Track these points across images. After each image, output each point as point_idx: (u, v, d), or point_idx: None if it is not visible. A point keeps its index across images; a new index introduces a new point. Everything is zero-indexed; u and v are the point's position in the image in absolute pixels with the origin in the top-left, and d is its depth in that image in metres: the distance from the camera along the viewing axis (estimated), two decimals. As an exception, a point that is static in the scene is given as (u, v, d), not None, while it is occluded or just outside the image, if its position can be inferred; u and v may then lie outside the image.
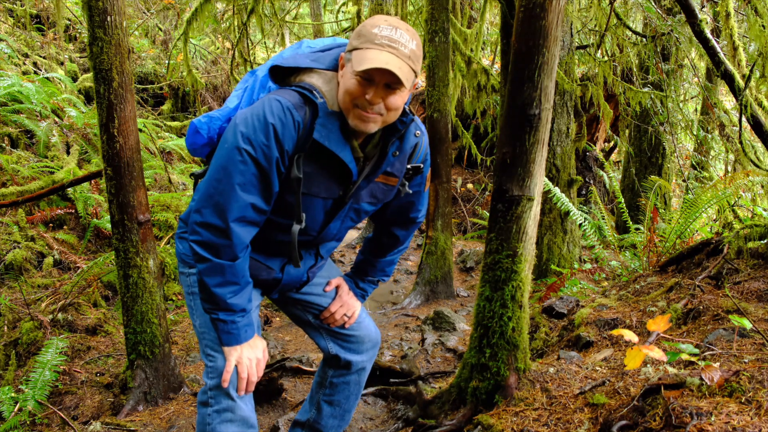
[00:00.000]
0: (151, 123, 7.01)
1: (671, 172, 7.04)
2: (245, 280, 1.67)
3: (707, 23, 4.19)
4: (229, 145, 1.55)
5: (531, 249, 2.12)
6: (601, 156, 7.36)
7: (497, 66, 7.65)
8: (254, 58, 7.58)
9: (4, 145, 5.16)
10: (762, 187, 5.30)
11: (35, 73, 6.68)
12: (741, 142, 3.95)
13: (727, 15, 3.70)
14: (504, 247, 2.10)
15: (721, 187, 4.07)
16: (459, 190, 8.65)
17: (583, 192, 7.29)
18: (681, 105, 6.95)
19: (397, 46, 1.52)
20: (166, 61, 8.08)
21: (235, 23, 6.81)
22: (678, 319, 2.43)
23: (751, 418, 1.41)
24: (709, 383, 1.57)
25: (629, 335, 1.63)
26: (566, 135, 4.83)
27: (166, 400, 2.97)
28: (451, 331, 3.82)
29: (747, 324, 1.69)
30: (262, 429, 2.66)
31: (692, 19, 3.42)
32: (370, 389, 2.86)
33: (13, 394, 2.83)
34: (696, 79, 7.14)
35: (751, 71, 3.47)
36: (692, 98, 8.56)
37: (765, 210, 4.58)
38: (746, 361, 1.79)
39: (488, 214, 2.35)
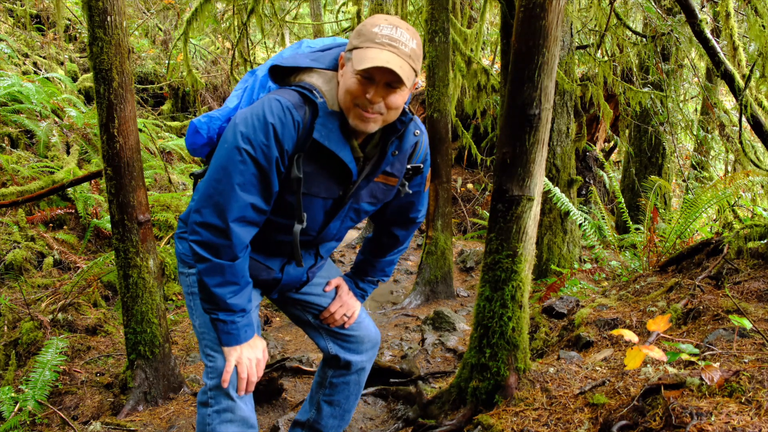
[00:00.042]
0: (151, 123, 7.01)
1: (671, 172, 7.04)
2: (245, 280, 1.67)
3: (707, 23, 4.19)
4: (228, 145, 1.55)
5: (531, 249, 2.12)
6: (601, 156, 7.36)
7: (497, 66, 7.65)
8: (254, 58, 7.58)
9: (4, 145, 5.16)
10: (762, 187, 5.30)
11: (35, 73, 6.68)
12: (741, 142, 3.95)
13: (727, 15, 3.70)
14: (504, 247, 2.10)
15: (721, 187, 4.07)
16: (459, 190, 8.65)
17: (583, 192, 7.29)
18: (681, 105, 6.95)
19: (397, 45, 1.52)
20: (166, 61, 8.08)
21: (235, 23, 6.81)
22: (678, 319, 2.43)
23: (751, 418, 1.41)
24: (709, 383, 1.57)
25: (629, 335, 1.63)
26: (566, 135, 4.83)
27: (166, 400, 2.97)
28: (451, 331, 3.82)
29: (747, 324, 1.69)
30: (262, 429, 2.66)
31: (692, 19, 3.42)
32: (370, 389, 2.86)
33: (13, 394, 2.83)
34: (696, 79, 7.14)
35: (751, 71, 3.47)
36: (692, 98, 8.56)
37: (765, 210, 4.58)
38: (746, 361, 1.79)
39: (488, 214, 2.35)
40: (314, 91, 1.62)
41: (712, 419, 1.42)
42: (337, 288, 2.04)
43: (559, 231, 4.82)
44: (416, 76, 1.60)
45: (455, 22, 6.25)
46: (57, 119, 5.70)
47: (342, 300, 2.01)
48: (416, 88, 1.72)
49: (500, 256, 2.10)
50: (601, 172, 7.70)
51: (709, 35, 3.40)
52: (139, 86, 8.09)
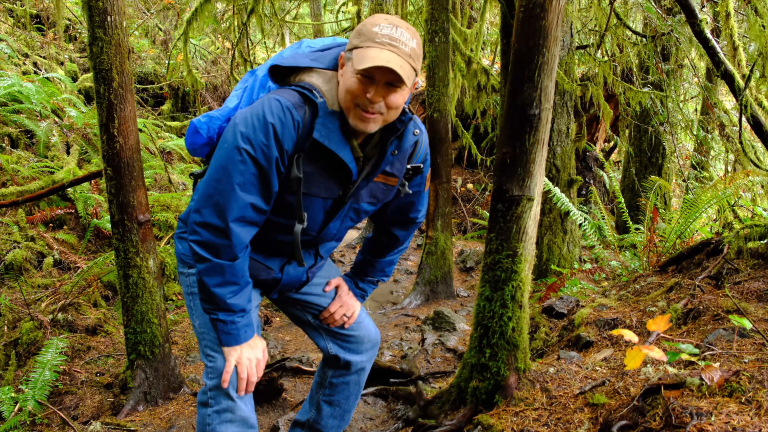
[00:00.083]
0: (151, 123, 7.01)
1: (671, 172, 7.04)
2: (245, 281, 1.67)
3: (707, 23, 4.19)
4: (228, 145, 1.55)
5: (531, 249, 2.12)
6: (601, 156, 7.36)
7: (497, 66, 7.65)
8: (254, 58, 7.58)
9: (4, 145, 5.16)
10: (762, 187, 5.30)
11: (35, 73, 6.68)
12: (741, 142, 3.95)
13: (727, 15, 3.70)
14: (504, 247, 2.10)
15: (721, 187, 4.07)
16: (459, 190, 8.65)
17: (583, 192, 7.29)
18: (681, 105, 6.95)
19: (397, 44, 1.52)
20: (166, 61, 8.08)
21: (235, 23, 6.81)
22: (678, 319, 2.43)
23: (751, 418, 1.40)
24: (709, 383, 1.57)
25: (629, 335, 1.63)
26: (566, 135, 4.83)
27: (166, 400, 2.97)
28: (451, 331, 3.82)
29: (747, 324, 1.69)
30: (262, 429, 2.66)
31: (692, 19, 3.42)
32: (370, 389, 2.86)
33: (13, 394, 2.83)
34: (696, 79, 7.14)
35: (751, 71, 3.47)
36: (692, 98, 8.56)
37: (765, 210, 4.58)
38: (746, 361, 1.79)
39: (488, 214, 2.35)
40: (314, 91, 1.62)
41: (712, 419, 1.42)
42: (336, 288, 2.04)
43: (559, 231, 4.82)
44: (416, 75, 1.60)
45: (455, 22, 6.25)
46: (57, 119, 5.70)
47: (342, 300, 2.01)
48: (416, 88, 1.72)
49: (500, 256, 2.10)
50: (601, 172, 7.70)
51: (709, 35, 3.40)
52: (139, 86, 8.09)
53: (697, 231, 4.28)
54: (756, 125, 3.50)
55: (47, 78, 6.31)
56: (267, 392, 2.88)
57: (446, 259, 4.81)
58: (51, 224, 4.74)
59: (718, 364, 1.73)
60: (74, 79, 7.25)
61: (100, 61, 2.66)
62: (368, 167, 1.72)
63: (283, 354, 3.71)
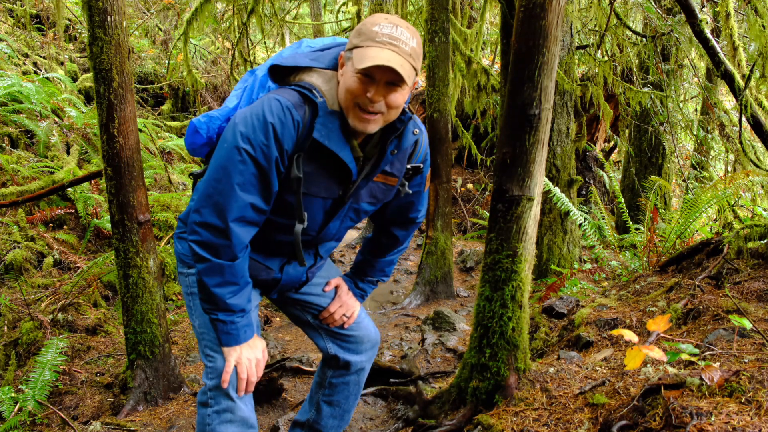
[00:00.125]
0: (151, 123, 7.01)
1: (671, 172, 7.04)
2: (244, 281, 1.66)
3: (707, 23, 4.19)
4: (228, 145, 1.55)
5: (531, 249, 2.12)
6: (601, 156, 7.36)
7: (497, 66, 7.65)
8: (254, 58, 7.58)
9: (4, 145, 5.16)
10: (762, 187, 5.30)
11: (35, 73, 6.68)
12: (741, 142, 3.95)
13: (727, 15, 3.70)
14: (504, 247, 2.10)
15: (721, 187, 4.07)
16: (459, 190, 8.65)
17: (583, 192, 7.29)
18: (681, 105, 6.95)
19: (398, 43, 1.52)
20: (166, 61, 8.08)
21: (235, 23, 6.81)
22: (678, 319, 2.43)
23: (751, 418, 1.40)
24: (709, 383, 1.57)
25: (629, 335, 1.63)
26: (566, 135, 4.83)
27: (166, 400, 2.97)
28: (451, 331, 3.82)
29: (747, 324, 1.69)
30: (262, 429, 2.66)
31: (692, 19, 3.42)
32: (370, 389, 2.86)
33: (13, 394, 2.83)
34: (696, 79, 7.14)
35: (751, 71, 3.47)
36: (692, 98, 8.56)
37: (765, 210, 4.58)
38: (746, 361, 1.79)
39: (488, 214, 2.35)
40: (314, 91, 1.62)
41: (712, 419, 1.42)
42: (336, 288, 2.04)
43: (559, 231, 4.82)
44: (416, 74, 1.60)
45: (455, 22, 6.25)
46: (57, 119, 5.70)
47: (341, 300, 2.01)
48: (416, 88, 1.72)
49: (500, 256, 2.10)
50: (601, 172, 7.70)
51: (709, 35, 3.40)
52: (139, 86, 8.09)
53: (697, 231, 4.28)
54: (756, 125, 3.50)
55: (47, 78, 6.31)
56: (267, 392, 2.88)
57: (446, 259, 4.81)
58: (51, 224, 4.74)
59: (718, 364, 1.73)
60: (74, 79, 7.25)
61: (100, 61, 2.66)
62: (368, 167, 1.71)
63: (283, 354, 3.71)
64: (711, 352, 1.93)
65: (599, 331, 2.60)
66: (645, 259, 4.02)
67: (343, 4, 9.79)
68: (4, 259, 4.06)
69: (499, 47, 5.45)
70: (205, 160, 1.96)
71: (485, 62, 7.94)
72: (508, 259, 2.09)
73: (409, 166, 1.81)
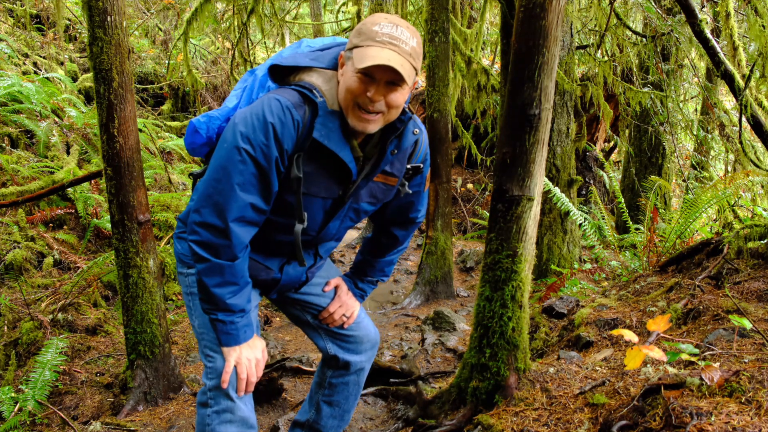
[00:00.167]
0: (151, 123, 7.01)
1: (671, 172, 7.04)
2: (244, 281, 1.66)
3: (707, 23, 4.19)
4: (228, 145, 1.55)
5: (531, 249, 2.12)
6: (601, 156, 7.36)
7: (497, 66, 7.65)
8: (254, 58, 7.58)
9: (4, 145, 5.16)
10: (762, 187, 5.30)
11: (35, 73, 6.68)
12: (741, 142, 3.95)
13: (727, 15, 3.70)
14: (504, 247, 2.10)
15: (721, 187, 4.07)
16: (459, 190, 8.65)
17: (583, 192, 7.29)
18: (681, 105, 6.95)
19: (398, 43, 1.52)
20: (166, 61, 8.08)
21: (235, 23, 6.81)
22: (678, 319, 2.43)
23: (751, 418, 1.40)
24: (709, 383, 1.57)
25: (629, 335, 1.63)
26: (566, 135, 4.83)
27: (166, 400, 2.96)
28: (451, 331, 3.82)
29: (747, 324, 1.69)
30: (262, 429, 2.66)
31: (692, 19, 3.42)
32: (370, 389, 2.86)
33: (13, 394, 2.83)
34: (696, 79, 7.14)
35: (751, 71, 3.47)
36: (692, 98, 8.56)
37: (765, 210, 4.58)
38: (746, 361, 1.79)
39: (488, 214, 2.35)
40: (314, 91, 1.62)
41: (712, 419, 1.42)
42: (336, 288, 2.04)
43: (559, 231, 4.82)
44: (416, 74, 1.60)
45: (455, 22, 6.25)
46: (57, 119, 5.70)
47: (341, 300, 2.01)
48: (416, 88, 1.72)
49: (500, 256, 2.10)
50: (601, 172, 7.70)
51: (709, 35, 3.40)
52: (139, 86, 8.09)
53: (697, 231, 4.28)
54: (756, 125, 3.50)
55: (47, 78, 6.31)
56: (267, 392, 2.88)
57: (446, 259, 4.81)
58: (51, 224, 4.74)
59: (718, 364, 1.73)
60: (74, 79, 7.26)
61: (100, 61, 2.66)
62: (368, 167, 1.71)
63: (283, 354, 3.71)
64: (711, 352, 1.93)
65: (599, 331, 2.60)
66: (645, 259, 4.02)
67: (343, 4, 9.80)
68: (4, 259, 4.06)
69: (499, 47, 5.45)
70: (204, 160, 1.96)
71: (485, 62, 7.94)
72: (508, 259, 2.09)
73: (409, 166, 1.81)
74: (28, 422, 2.75)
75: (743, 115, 3.44)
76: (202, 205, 1.57)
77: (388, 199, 1.85)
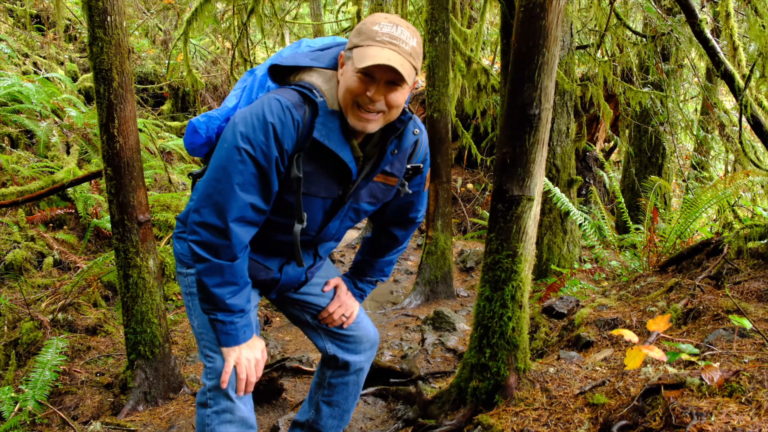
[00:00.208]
0: (151, 123, 7.01)
1: (671, 172, 7.04)
2: (244, 281, 1.66)
3: (707, 23, 4.19)
4: (228, 145, 1.55)
5: (531, 249, 2.12)
6: (601, 156, 7.36)
7: (497, 66, 7.65)
8: (254, 58, 7.58)
9: (4, 145, 5.16)
10: (762, 187, 5.30)
11: (35, 73, 6.68)
12: (741, 142, 3.95)
13: (727, 15, 3.69)
14: (504, 247, 2.10)
15: (721, 187, 4.07)
16: (459, 190, 8.65)
17: (583, 192, 7.29)
18: (681, 105, 6.95)
19: (398, 42, 1.52)
20: (166, 61, 8.08)
21: (235, 23, 6.81)
22: (678, 319, 2.43)
23: (751, 418, 1.40)
24: (709, 383, 1.57)
25: (629, 335, 1.63)
26: (566, 135, 4.83)
27: (166, 400, 2.96)
28: (451, 331, 3.82)
29: (747, 324, 1.69)
30: (262, 429, 2.66)
31: (692, 19, 3.42)
32: (370, 389, 2.86)
33: (13, 394, 2.83)
34: (696, 79, 7.14)
35: (751, 71, 3.47)
36: (692, 98, 8.56)
37: (765, 210, 4.58)
38: (746, 361, 1.79)
39: (488, 214, 2.35)
40: (314, 90, 1.62)
41: (712, 419, 1.42)
42: (335, 288, 2.04)
43: (559, 231, 4.82)
44: (416, 74, 1.60)
45: (455, 22, 6.25)
46: (57, 119, 5.70)
47: (340, 300, 2.01)
48: (416, 88, 1.72)
49: (500, 256, 2.10)
50: (601, 172, 7.70)
51: (709, 35, 3.40)
52: (139, 86, 8.09)
53: (697, 231, 4.28)
54: (756, 125, 3.50)
55: (47, 78, 6.31)
56: (267, 392, 2.88)
57: (446, 259, 4.81)
58: (51, 224, 4.74)
59: (718, 364, 1.73)
60: (74, 79, 7.25)
61: (100, 61, 2.66)
62: (368, 167, 1.71)
63: (283, 354, 3.71)
64: (711, 352, 1.93)
65: (599, 331, 2.59)
66: (645, 259, 4.02)
67: (343, 4, 9.80)
68: (4, 259, 4.06)
69: (499, 47, 5.45)
70: (204, 160, 1.96)
71: (485, 62, 7.94)
72: (508, 259, 2.09)
73: (409, 166, 1.81)
74: (28, 422, 2.75)
75: (743, 115, 3.44)
76: (202, 205, 1.57)
77: (388, 199, 1.85)
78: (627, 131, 7.45)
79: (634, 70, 6.51)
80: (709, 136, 7.09)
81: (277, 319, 4.55)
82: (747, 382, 1.56)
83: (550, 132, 2.10)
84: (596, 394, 1.88)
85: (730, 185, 4.02)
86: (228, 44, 9.55)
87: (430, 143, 1.94)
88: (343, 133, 1.63)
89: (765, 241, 2.70)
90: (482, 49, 8.07)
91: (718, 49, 3.42)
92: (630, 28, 5.84)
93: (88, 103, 6.71)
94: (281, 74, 1.71)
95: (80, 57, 7.85)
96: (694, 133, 6.95)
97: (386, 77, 1.53)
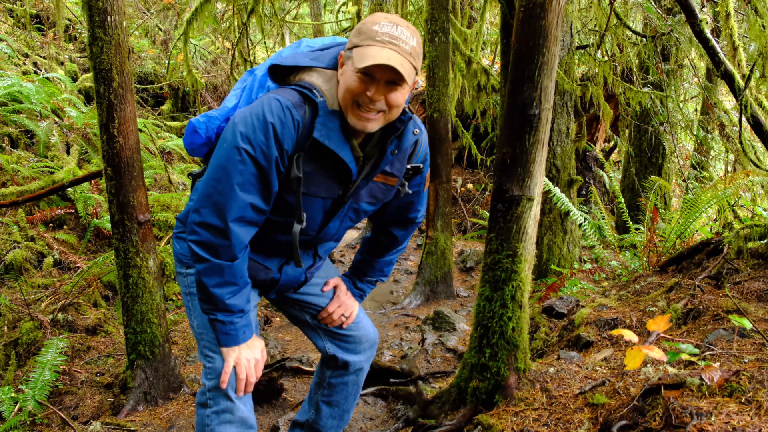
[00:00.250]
0: (151, 123, 7.01)
1: (671, 172, 7.04)
2: (244, 281, 1.66)
3: (707, 23, 4.19)
4: (228, 145, 1.55)
5: (531, 249, 2.12)
6: (601, 156, 7.36)
7: (497, 66, 7.65)
8: (254, 58, 7.58)
9: (4, 145, 5.16)
10: (762, 187, 5.30)
11: (35, 73, 6.68)
12: (741, 142, 3.95)
13: (727, 15, 3.69)
14: (504, 247, 2.10)
15: (721, 187, 4.07)
16: (459, 190, 8.65)
17: (583, 192, 7.29)
18: (681, 105, 6.95)
19: (398, 42, 1.52)
20: (166, 61, 8.08)
21: (235, 23, 6.81)
22: (678, 319, 2.43)
23: (751, 418, 1.40)
24: (709, 383, 1.57)
25: (629, 335, 1.63)
26: (566, 135, 4.83)
27: (166, 400, 2.96)
28: (451, 331, 3.82)
29: (747, 324, 1.69)
30: (262, 429, 2.66)
31: (692, 19, 3.42)
32: (370, 389, 2.86)
33: (13, 394, 2.82)
34: (696, 79, 7.14)
35: (751, 71, 3.47)
36: (692, 98, 8.56)
37: (765, 210, 4.58)
38: (746, 361, 1.79)
39: (488, 214, 2.35)
40: (314, 90, 1.62)
41: (712, 419, 1.42)
42: (335, 288, 2.04)
43: (559, 231, 4.82)
44: (416, 74, 1.60)
45: (455, 22, 6.25)
46: (57, 119, 5.70)
47: (340, 300, 2.01)
48: (416, 88, 1.72)
49: (500, 256, 2.10)
50: (601, 172, 7.70)
51: (709, 35, 3.40)
52: (139, 86, 8.09)
53: (697, 231, 4.28)
54: (756, 125, 3.50)
55: (47, 78, 6.31)
56: (267, 392, 2.88)
57: (446, 259, 4.81)
58: (51, 224, 4.74)
59: (718, 364, 1.73)
60: (74, 79, 7.25)
61: (100, 61, 2.66)
62: (368, 167, 1.71)
63: (283, 354, 3.71)
64: (711, 352, 1.93)
65: (599, 331, 2.59)
66: (645, 259, 4.02)
67: (343, 4, 9.80)
68: (4, 259, 4.06)
69: (499, 47, 5.45)
70: (204, 160, 1.96)
71: (485, 62, 7.94)
72: (508, 259, 2.09)
73: (409, 166, 1.81)
74: (28, 422, 2.75)
75: (743, 115, 3.44)
76: (202, 205, 1.57)
77: (388, 199, 1.85)
78: (627, 131, 7.46)
79: (634, 70, 6.51)
80: (709, 136, 7.09)
81: (277, 319, 4.55)
82: (747, 382, 1.56)
83: (550, 132, 2.10)
84: (596, 394, 1.88)
85: (730, 185, 4.02)
86: (228, 44, 9.55)
87: (430, 143, 1.94)
88: (343, 133, 1.63)
89: (765, 241, 2.70)
90: (482, 49, 8.08)
91: (718, 49, 3.42)
92: (630, 28, 5.84)
93: (88, 103, 6.71)
94: (281, 74, 1.71)
95: (80, 57, 7.85)
96: (694, 133, 6.95)
97: (386, 77, 1.53)
